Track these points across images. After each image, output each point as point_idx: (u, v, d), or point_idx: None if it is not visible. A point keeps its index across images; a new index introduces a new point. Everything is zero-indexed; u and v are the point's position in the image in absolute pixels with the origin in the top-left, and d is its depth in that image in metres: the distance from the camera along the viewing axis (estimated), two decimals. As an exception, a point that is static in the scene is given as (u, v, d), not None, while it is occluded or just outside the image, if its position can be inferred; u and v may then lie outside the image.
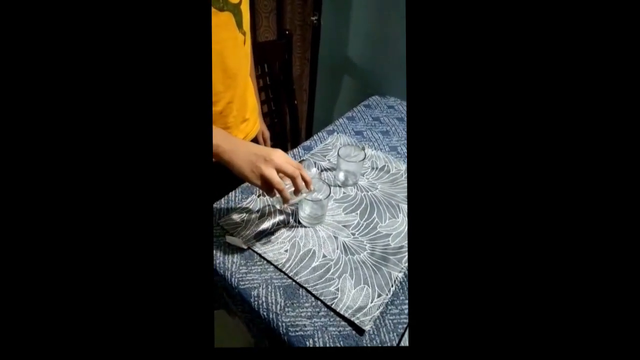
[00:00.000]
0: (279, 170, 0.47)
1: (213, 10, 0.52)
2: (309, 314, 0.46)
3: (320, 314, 0.46)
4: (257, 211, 0.59)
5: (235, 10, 0.57)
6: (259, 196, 0.62)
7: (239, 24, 0.59)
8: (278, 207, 0.60)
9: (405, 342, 0.43)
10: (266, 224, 0.57)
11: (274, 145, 1.05)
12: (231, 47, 0.59)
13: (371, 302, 0.47)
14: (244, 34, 0.62)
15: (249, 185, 0.66)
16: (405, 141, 0.81)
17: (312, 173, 0.69)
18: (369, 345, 0.43)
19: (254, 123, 0.76)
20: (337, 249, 0.54)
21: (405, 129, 0.85)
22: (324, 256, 0.52)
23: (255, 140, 0.77)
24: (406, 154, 0.76)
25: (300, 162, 0.71)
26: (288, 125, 1.18)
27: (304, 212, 0.57)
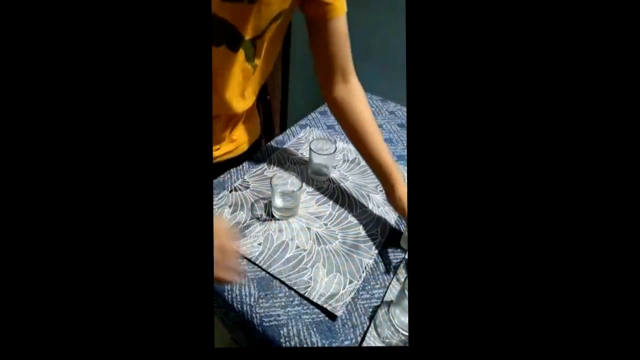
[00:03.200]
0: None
1: (225, 50, 0.49)
2: (282, 303, 0.47)
3: (294, 303, 0.47)
4: (230, 206, 0.59)
5: (247, 45, 0.52)
6: (231, 191, 0.62)
7: (249, 58, 0.54)
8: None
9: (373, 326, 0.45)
10: (238, 219, 0.57)
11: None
12: (236, 81, 0.55)
13: (343, 289, 0.48)
14: (253, 67, 0.55)
15: (221, 180, 0.66)
16: (376, 134, 0.83)
17: (283, 175, 0.70)
18: (341, 329, 0.45)
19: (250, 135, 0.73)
20: (310, 239, 0.55)
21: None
22: (297, 247, 0.54)
23: (248, 152, 0.73)
24: (376, 146, 0.78)
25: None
26: (261, 120, 1.18)
27: (277, 205, 0.57)
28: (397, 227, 0.59)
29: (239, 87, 0.57)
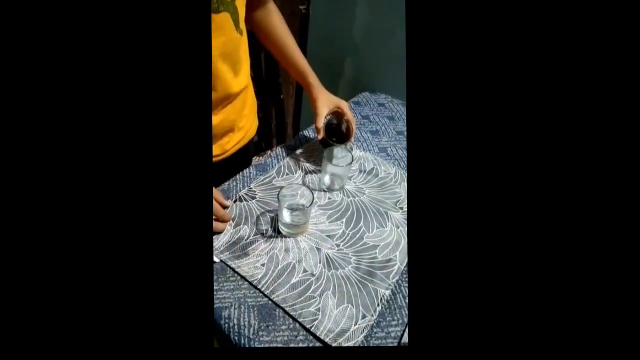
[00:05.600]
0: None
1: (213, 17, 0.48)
2: (285, 339, 0.41)
3: (298, 338, 0.41)
4: (232, 219, 0.54)
5: (232, 9, 0.51)
6: (235, 201, 0.57)
7: (237, 24, 0.53)
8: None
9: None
10: (241, 234, 0.52)
11: (259, 141, 1.00)
12: (229, 52, 0.54)
13: (355, 325, 0.42)
14: (241, 33, 0.56)
15: (225, 188, 0.60)
16: (395, 142, 0.76)
17: (296, 187, 0.64)
18: (351, 375, 0.39)
19: (250, 127, 0.72)
20: (320, 262, 0.49)
21: (396, 129, 0.80)
22: (305, 271, 0.48)
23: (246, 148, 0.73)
24: (396, 156, 0.72)
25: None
26: (274, 120, 1.12)
27: (285, 220, 0.52)
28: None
29: (233, 60, 0.56)
